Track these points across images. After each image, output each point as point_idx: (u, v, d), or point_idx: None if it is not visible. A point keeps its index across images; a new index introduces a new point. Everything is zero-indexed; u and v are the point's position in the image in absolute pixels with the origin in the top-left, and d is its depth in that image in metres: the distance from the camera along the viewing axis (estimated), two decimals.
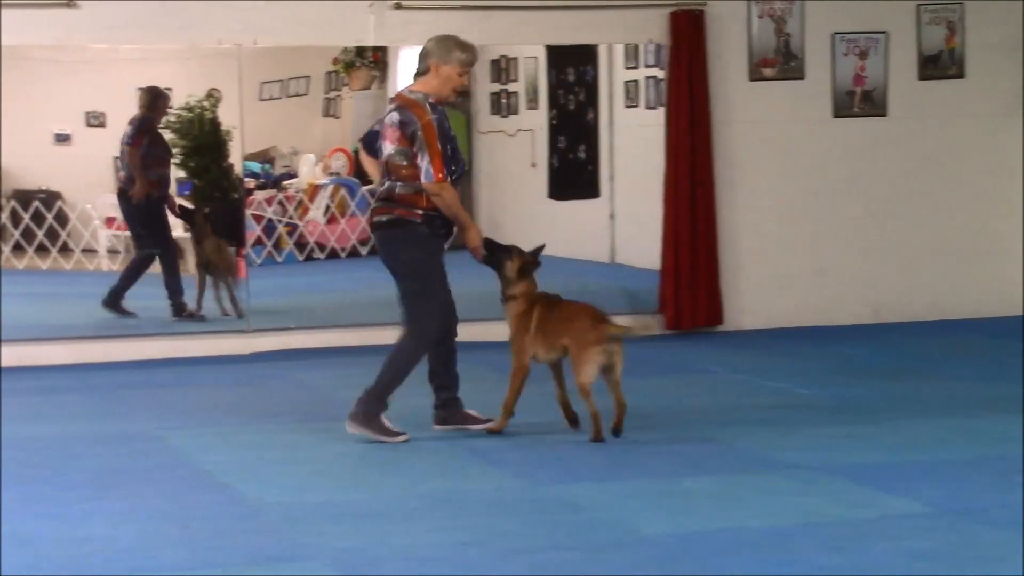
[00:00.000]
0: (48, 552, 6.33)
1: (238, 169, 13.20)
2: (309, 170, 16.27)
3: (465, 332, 8.92)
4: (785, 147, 12.74)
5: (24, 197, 14.63)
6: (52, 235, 13.47)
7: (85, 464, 8.00)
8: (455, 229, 8.55)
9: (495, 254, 8.59)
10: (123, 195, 12.86)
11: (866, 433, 8.50)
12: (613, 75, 15.77)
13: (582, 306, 8.55)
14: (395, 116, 8.40)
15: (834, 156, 12.87)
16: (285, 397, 9.81)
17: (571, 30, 12.52)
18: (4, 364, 11.20)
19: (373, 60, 19.96)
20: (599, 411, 8.33)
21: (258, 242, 13.89)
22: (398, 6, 11.86)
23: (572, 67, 16.14)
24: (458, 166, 8.55)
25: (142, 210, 12.84)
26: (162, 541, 6.48)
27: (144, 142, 12.71)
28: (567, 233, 16.74)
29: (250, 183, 14.25)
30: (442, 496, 7.26)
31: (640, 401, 9.67)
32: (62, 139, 14.31)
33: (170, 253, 12.96)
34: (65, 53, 13.01)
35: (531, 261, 8.62)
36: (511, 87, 17.98)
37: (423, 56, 8.58)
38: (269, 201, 15.37)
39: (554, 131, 16.69)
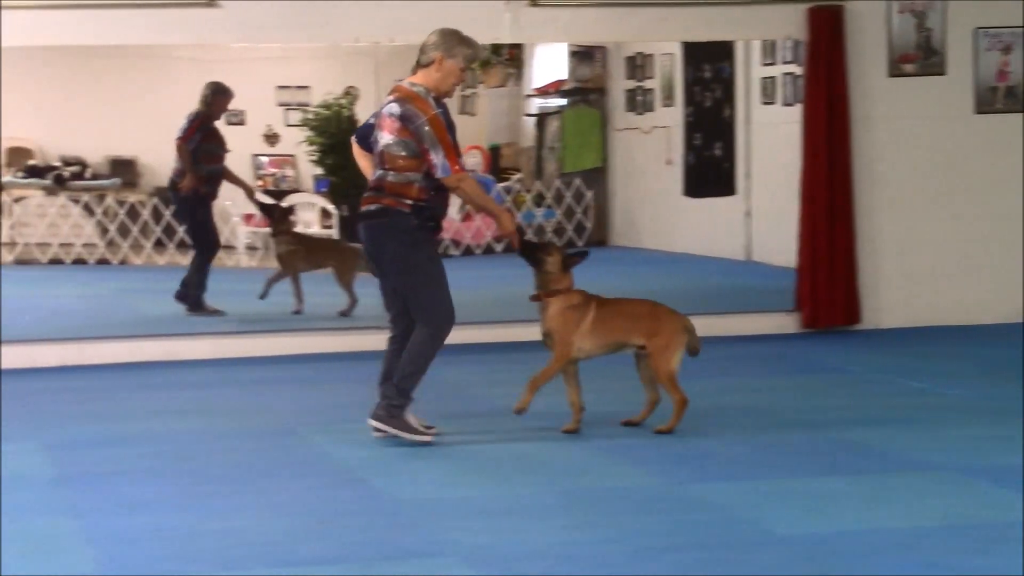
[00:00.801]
0: (190, 545, 6.43)
1: None
2: None
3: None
4: (925, 143, 12.57)
5: (165, 194, 14.84)
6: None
7: (227, 459, 8.10)
8: (442, 224, 8.46)
9: (533, 251, 8.56)
10: (173, 188, 13.01)
11: (1009, 435, 8.36)
12: (750, 71, 15.69)
13: (648, 301, 8.72)
14: (395, 107, 8.22)
15: (975, 153, 12.67)
16: (421, 393, 9.84)
17: (708, 26, 12.44)
18: (149, 359, 11.39)
19: (508, 58, 20.03)
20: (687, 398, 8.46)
21: None
22: (534, 4, 11.86)
23: (709, 63, 16.07)
24: (459, 159, 8.39)
25: (187, 203, 12.96)
26: (301, 536, 6.55)
27: (195, 137, 12.81)
28: (702, 230, 16.69)
29: None
30: (579, 494, 7.26)
31: (777, 400, 9.62)
32: None
33: (206, 249, 13.06)
34: (206, 52, 13.22)
35: (573, 256, 8.59)
36: (647, 84, 17.95)
37: (426, 48, 8.41)
38: None
39: (690, 128, 16.64)
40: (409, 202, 8.17)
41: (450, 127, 8.23)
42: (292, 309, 12.83)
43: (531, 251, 8.58)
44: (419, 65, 8.38)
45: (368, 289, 11.68)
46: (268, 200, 14.52)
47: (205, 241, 13.06)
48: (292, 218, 14.17)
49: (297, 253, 13.04)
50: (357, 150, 8.51)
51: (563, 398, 8.59)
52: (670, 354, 8.48)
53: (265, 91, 17.88)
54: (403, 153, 8.14)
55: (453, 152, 8.14)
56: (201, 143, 12.82)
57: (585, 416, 8.62)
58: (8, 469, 7.94)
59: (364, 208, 8.33)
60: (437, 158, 8.10)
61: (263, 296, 12.84)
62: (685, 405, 8.48)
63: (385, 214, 8.20)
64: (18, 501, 7.22)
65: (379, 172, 8.25)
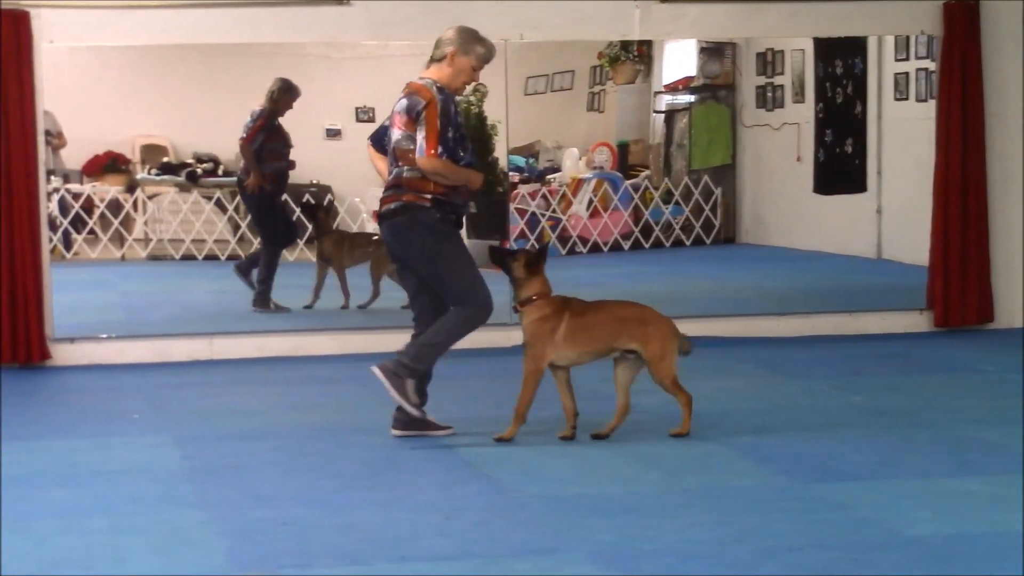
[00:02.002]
0: (314, 539, 6.47)
1: (503, 163, 13.32)
2: (572, 164, 16.35)
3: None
4: None
5: (296, 191, 15.00)
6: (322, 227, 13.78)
7: (350, 453, 8.15)
8: (464, 218, 8.37)
9: (502, 258, 8.39)
10: (240, 185, 13.08)
11: None
12: (883, 67, 15.49)
13: (635, 304, 8.50)
14: (403, 103, 8.20)
15: None
16: (546, 391, 9.83)
17: (841, 22, 12.31)
18: (276, 354, 11.50)
19: (638, 54, 19.95)
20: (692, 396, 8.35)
21: (521, 235, 13.99)
22: (664, 0, 11.81)
23: (840, 59, 15.89)
24: (466, 153, 8.31)
25: (254, 201, 13.02)
26: (424, 531, 6.57)
27: (258, 137, 12.85)
28: (832, 228, 16.51)
29: (514, 177, 14.37)
30: (703, 492, 7.21)
31: (906, 399, 9.49)
32: (332, 134, 14.64)
33: (274, 247, 13.10)
34: (337, 50, 13.31)
35: (535, 256, 8.38)
36: (777, 80, 17.79)
37: (441, 44, 8.36)
38: (532, 195, 15.48)
39: (820, 125, 16.46)
40: (428, 196, 8.12)
41: (448, 116, 8.12)
42: (340, 305, 12.88)
43: (499, 257, 8.42)
44: (432, 60, 8.36)
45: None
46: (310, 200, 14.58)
47: (273, 239, 13.14)
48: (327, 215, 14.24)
49: (342, 249, 13.10)
50: (372, 152, 8.45)
51: (697, 394, 8.52)
52: (669, 360, 8.32)
53: (394, 88, 17.96)
54: (411, 147, 8.11)
55: (435, 136, 8.02)
56: (265, 142, 12.89)
57: (707, 414, 8.56)
58: (138, 462, 8.06)
59: (384, 207, 8.24)
60: (419, 138, 8.05)
61: (311, 305, 12.89)
62: (692, 402, 8.37)
63: (406, 210, 8.14)
64: (149, 494, 7.33)
65: (395, 170, 8.20)
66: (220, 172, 18.09)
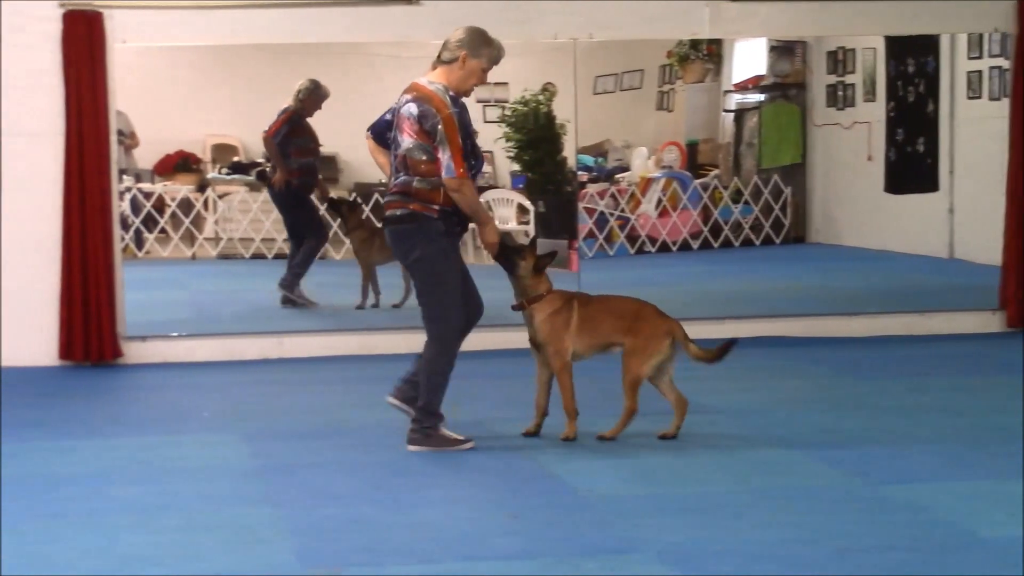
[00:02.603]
0: (383, 537, 6.49)
1: (572, 162, 13.30)
2: (642, 163, 16.30)
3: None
4: None
5: (365, 189, 15.03)
6: None
7: (422, 452, 8.15)
8: (470, 226, 8.28)
9: (508, 255, 8.32)
10: (268, 183, 13.10)
11: None
12: (955, 65, 15.36)
13: (636, 300, 8.41)
14: (412, 108, 8.05)
15: None
16: (616, 389, 9.82)
17: (912, 20, 12.23)
18: (345, 352, 11.54)
19: (707, 53, 19.88)
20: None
21: (590, 235, 13.97)
22: None
23: (912, 57, 15.77)
24: (477, 161, 8.25)
25: (281, 197, 13.03)
26: (492, 529, 6.58)
27: (281, 131, 12.85)
28: (903, 227, 16.38)
29: (583, 176, 14.34)
30: (773, 492, 7.18)
31: (978, 400, 9.41)
32: None
33: (302, 242, 13.09)
34: (406, 49, 13.31)
35: (544, 257, 8.33)
36: (848, 79, 17.68)
37: (450, 46, 8.24)
38: (601, 194, 15.46)
39: (892, 123, 16.33)
40: (436, 207, 8.03)
41: (464, 128, 8.06)
42: (356, 304, 12.86)
43: (507, 255, 8.35)
44: (440, 62, 8.22)
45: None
46: (336, 196, 14.55)
47: (300, 235, 13.15)
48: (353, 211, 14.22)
49: (372, 246, 13.08)
50: (372, 145, 8.38)
51: (766, 395, 8.48)
52: (643, 358, 8.20)
53: None
54: (423, 158, 8.00)
55: (460, 155, 7.94)
56: (291, 138, 12.90)
57: (777, 415, 8.51)
58: (208, 459, 8.11)
59: (390, 212, 8.16)
60: (444, 157, 7.94)
61: (362, 306, 12.88)
62: (633, 416, 8.25)
63: (413, 219, 8.05)
64: (219, 491, 7.37)
65: (404, 177, 8.08)
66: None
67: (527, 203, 17.36)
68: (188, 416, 9.39)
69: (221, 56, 12.80)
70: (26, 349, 11.20)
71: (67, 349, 11.20)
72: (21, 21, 11.09)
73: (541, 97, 17.29)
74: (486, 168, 18.93)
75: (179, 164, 13.62)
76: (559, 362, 8.24)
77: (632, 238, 15.56)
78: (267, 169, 13.10)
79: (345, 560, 6.15)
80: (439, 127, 7.94)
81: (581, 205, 13.84)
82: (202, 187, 14.24)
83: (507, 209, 17.49)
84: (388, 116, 8.25)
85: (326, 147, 18.20)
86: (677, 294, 13.23)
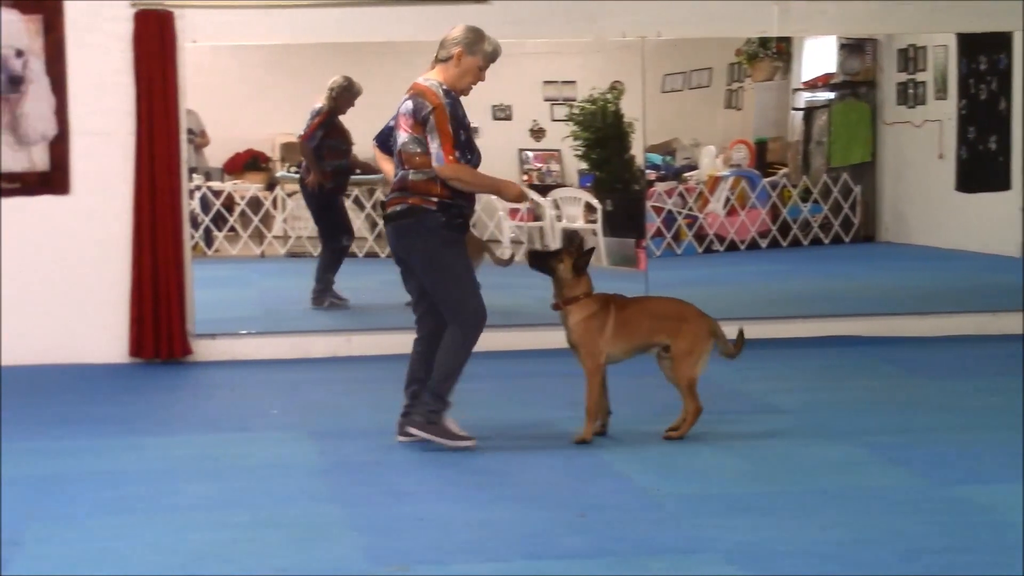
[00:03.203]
0: (451, 535, 6.50)
1: (639, 161, 13.27)
2: (710, 162, 16.24)
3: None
4: None
5: None
6: None
7: (488, 450, 8.17)
8: (471, 220, 8.23)
9: (545, 259, 8.33)
10: (300, 183, 13.10)
11: None
12: None
13: (676, 300, 8.40)
14: (408, 104, 8.03)
15: None
16: (669, 390, 9.80)
17: (985, 17, 12.14)
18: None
19: (776, 51, 19.78)
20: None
21: (657, 234, 13.94)
22: None
23: (984, 55, 15.64)
24: (473, 155, 8.16)
25: (314, 198, 13.03)
26: (560, 528, 6.57)
27: (316, 134, 12.83)
28: (975, 226, 16.25)
29: (651, 175, 14.31)
30: (840, 492, 7.13)
31: None
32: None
33: (334, 244, 13.07)
34: None
35: (584, 256, 8.29)
36: (919, 76, 17.56)
37: (446, 44, 8.20)
38: (669, 193, 15.41)
39: (963, 121, 16.21)
40: (435, 199, 7.99)
41: (458, 120, 8.01)
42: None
43: (541, 261, 8.36)
44: (437, 60, 8.20)
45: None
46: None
47: (333, 236, 13.16)
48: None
49: None
50: (378, 153, 8.36)
51: (835, 394, 8.43)
52: (693, 359, 8.20)
53: (532, 86, 17.98)
54: (418, 150, 7.98)
55: (450, 142, 7.90)
56: (324, 139, 12.91)
57: (846, 414, 8.45)
58: (277, 457, 8.15)
59: (389, 209, 8.14)
60: (434, 147, 7.93)
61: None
62: (699, 414, 8.23)
63: (411, 213, 8.02)
64: (288, 489, 7.40)
65: (400, 172, 8.08)
66: (357, 171, 18.25)
67: (595, 202, 17.35)
68: (256, 413, 9.44)
69: (291, 55, 12.85)
70: (97, 346, 11.30)
71: (137, 346, 11.28)
72: (93, 21, 11.19)
73: (609, 95, 17.27)
74: (554, 167, 18.98)
75: (248, 163, 13.71)
76: (591, 364, 8.22)
77: (700, 237, 15.51)
78: (300, 170, 13.14)
79: (412, 558, 6.16)
80: (430, 117, 7.92)
81: (649, 204, 13.81)
82: (271, 185, 14.30)
83: (575, 208, 17.48)
84: (391, 123, 8.25)
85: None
86: (745, 293, 13.20)
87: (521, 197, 8.34)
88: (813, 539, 6.33)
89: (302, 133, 12.91)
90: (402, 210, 8.07)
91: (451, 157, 7.92)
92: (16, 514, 6.91)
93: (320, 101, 12.80)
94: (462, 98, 8.19)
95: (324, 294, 12.89)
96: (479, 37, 8.26)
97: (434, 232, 8.01)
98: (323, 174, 12.89)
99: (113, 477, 7.67)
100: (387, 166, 8.31)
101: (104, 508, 7.04)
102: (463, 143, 8.04)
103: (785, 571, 5.92)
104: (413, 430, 8.18)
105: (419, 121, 7.97)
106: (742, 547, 6.23)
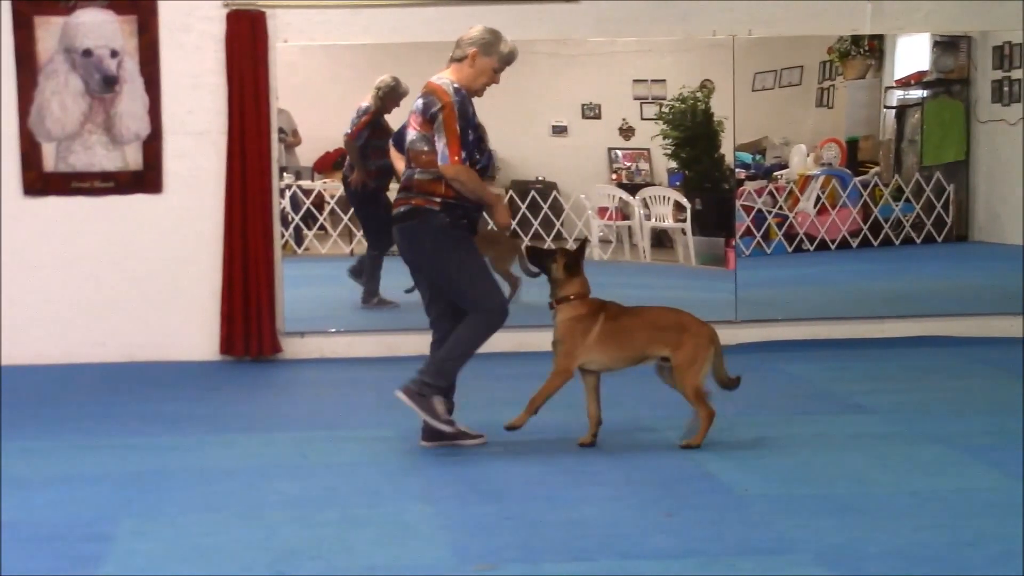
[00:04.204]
0: (538, 534, 6.49)
1: (729, 160, 13.21)
2: (800, 160, 16.13)
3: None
4: None
5: (521, 187, 15.09)
6: (547, 224, 13.84)
7: (576, 449, 8.15)
8: (478, 222, 8.12)
9: (540, 257, 8.24)
10: (345, 183, 13.08)
11: None
12: None
13: (673, 310, 8.23)
14: (419, 103, 7.97)
15: None
16: (773, 389, 9.75)
17: None
18: (504, 349, 11.57)
19: (868, 49, 19.64)
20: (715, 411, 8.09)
21: (747, 233, 13.87)
22: None
23: None
24: (483, 156, 8.09)
25: (356, 196, 13.00)
26: (648, 528, 6.55)
27: (363, 133, 12.80)
28: None
29: (741, 174, 14.25)
30: (934, 494, 7.05)
31: None
32: (559, 131, 14.68)
33: (378, 243, 13.03)
34: (565, 47, 13.34)
35: (575, 255, 8.17)
36: (1014, 74, 17.36)
37: (462, 44, 8.11)
38: (759, 192, 15.33)
39: None
40: (438, 200, 7.91)
41: (467, 119, 7.92)
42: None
43: (538, 258, 8.29)
44: (452, 60, 8.13)
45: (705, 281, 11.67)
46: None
47: (377, 234, 13.15)
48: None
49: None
50: (394, 153, 8.32)
51: (928, 395, 8.35)
52: (696, 368, 8.06)
53: (621, 85, 17.96)
54: (425, 148, 7.91)
55: (456, 142, 7.81)
56: (370, 139, 12.90)
57: (940, 415, 8.36)
58: (366, 455, 8.17)
59: (395, 211, 8.05)
60: (440, 145, 7.83)
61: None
62: (712, 419, 8.09)
63: (415, 215, 7.93)
64: (377, 486, 7.42)
65: (407, 171, 8.01)
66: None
67: (684, 200, 17.30)
68: (346, 411, 9.48)
69: (381, 54, 12.89)
70: (188, 344, 11.41)
71: (228, 344, 11.38)
72: (186, 21, 11.29)
73: (699, 94, 17.22)
74: (643, 165, 18.93)
75: (338, 162, 13.76)
76: (561, 364, 8.09)
77: (790, 236, 15.41)
78: (344, 168, 13.18)
79: (500, 557, 6.16)
80: (438, 115, 7.86)
81: (738, 203, 13.75)
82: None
83: (664, 207, 17.43)
84: (406, 123, 8.18)
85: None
86: (836, 292, 13.10)
87: (505, 229, 8.25)
88: (905, 541, 6.26)
89: (348, 132, 12.96)
90: (405, 211, 8.00)
91: (456, 157, 7.83)
92: (109, 510, 6.99)
93: (367, 100, 12.84)
94: (476, 99, 8.12)
95: (373, 293, 12.95)
96: (496, 39, 8.18)
97: (439, 232, 7.93)
98: (367, 173, 12.92)
99: (204, 474, 7.73)
100: (402, 166, 8.26)
101: (195, 505, 7.10)
102: (471, 143, 7.96)
103: (876, 573, 5.86)
104: (400, 394, 8.07)
105: (427, 119, 7.91)
106: (832, 548, 6.18)
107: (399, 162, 8.30)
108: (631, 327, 8.15)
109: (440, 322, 8.26)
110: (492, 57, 8.10)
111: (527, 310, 11.28)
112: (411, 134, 8.01)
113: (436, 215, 7.92)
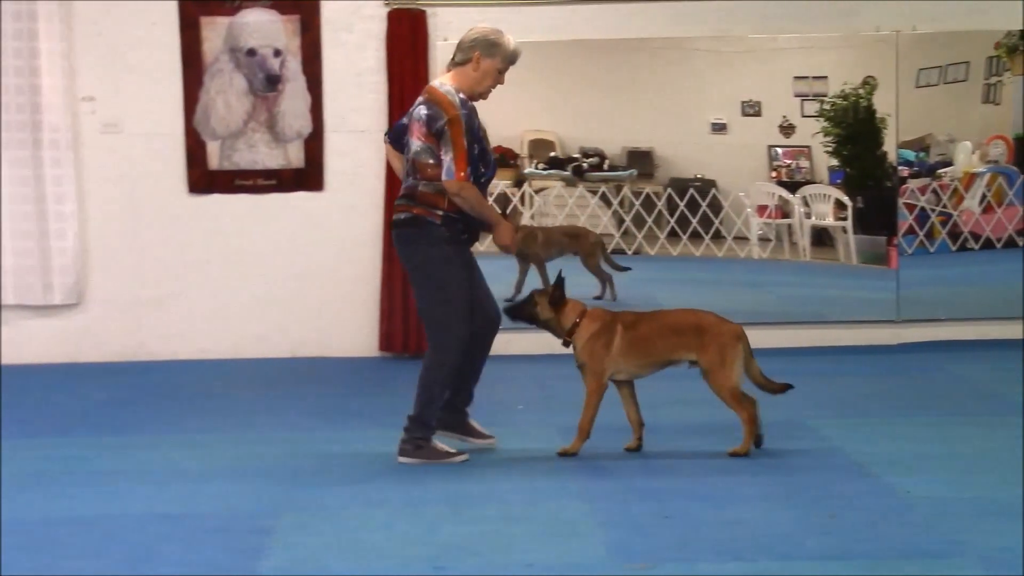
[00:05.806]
0: (695, 533, 6.45)
1: (892, 157, 13.03)
2: (965, 158, 15.86)
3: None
4: None
5: (680, 185, 15.02)
6: (705, 222, 13.76)
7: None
8: (479, 234, 7.96)
9: (521, 311, 8.09)
10: None
11: None
12: None
13: (693, 311, 8.04)
14: (422, 111, 7.76)
15: None
16: (937, 389, 9.61)
17: None
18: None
19: None
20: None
21: (910, 231, 13.68)
22: None
23: None
24: (487, 168, 7.91)
25: None
26: (808, 529, 6.48)
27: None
28: None
29: (904, 171, 14.05)
30: None
31: None
32: (718, 128, 14.60)
33: None
34: (725, 44, 13.26)
35: (555, 287, 7.99)
36: None
37: (463, 46, 7.90)
38: (923, 190, 15.11)
39: None
40: (440, 212, 7.77)
41: (473, 132, 7.77)
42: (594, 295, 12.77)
43: (520, 313, 8.13)
44: (454, 63, 7.94)
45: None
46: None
47: None
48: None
49: (535, 243, 12.90)
50: (389, 149, 8.12)
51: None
52: (727, 369, 7.83)
53: (782, 82, 17.80)
54: (430, 161, 7.74)
55: (463, 157, 7.67)
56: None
57: None
58: (523, 452, 8.19)
59: (395, 216, 7.93)
60: (446, 159, 7.68)
61: (512, 299, 12.77)
62: (754, 422, 7.87)
63: (415, 223, 7.80)
64: (536, 484, 7.43)
65: (411, 181, 7.84)
66: (606, 167, 18.27)
67: (845, 199, 17.09)
68: (503, 409, 9.50)
69: (539, 52, 12.93)
70: (349, 340, 11.53)
71: (386, 341, 11.47)
72: (348, 20, 11.41)
73: (861, 91, 17.00)
74: (803, 163, 18.74)
75: (497, 159, 13.83)
76: (593, 383, 8.00)
77: (954, 235, 15.16)
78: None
79: (656, 556, 6.13)
80: (445, 130, 7.72)
81: (901, 201, 13.56)
82: (519, 182, 14.42)
83: (824, 205, 17.24)
84: (405, 120, 8.02)
85: (641, 142, 18.27)
86: (1001, 292, 12.88)
87: (508, 248, 8.05)
88: None
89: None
90: (406, 218, 7.88)
91: (462, 173, 7.71)
92: (271, 504, 7.08)
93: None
94: (479, 103, 7.98)
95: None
96: (498, 38, 8.01)
97: (435, 245, 7.83)
98: None
99: (364, 470, 7.80)
100: (397, 163, 8.13)
101: (355, 500, 7.16)
102: (476, 157, 7.85)
103: None
104: (403, 460, 7.93)
105: (433, 132, 7.76)
106: (1000, 552, 6.06)
107: (395, 160, 8.16)
108: (650, 334, 8.03)
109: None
110: (496, 58, 7.95)
111: None
112: (415, 144, 7.82)
113: (436, 228, 7.82)
